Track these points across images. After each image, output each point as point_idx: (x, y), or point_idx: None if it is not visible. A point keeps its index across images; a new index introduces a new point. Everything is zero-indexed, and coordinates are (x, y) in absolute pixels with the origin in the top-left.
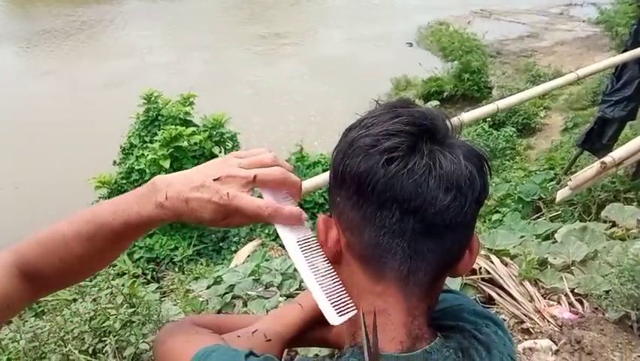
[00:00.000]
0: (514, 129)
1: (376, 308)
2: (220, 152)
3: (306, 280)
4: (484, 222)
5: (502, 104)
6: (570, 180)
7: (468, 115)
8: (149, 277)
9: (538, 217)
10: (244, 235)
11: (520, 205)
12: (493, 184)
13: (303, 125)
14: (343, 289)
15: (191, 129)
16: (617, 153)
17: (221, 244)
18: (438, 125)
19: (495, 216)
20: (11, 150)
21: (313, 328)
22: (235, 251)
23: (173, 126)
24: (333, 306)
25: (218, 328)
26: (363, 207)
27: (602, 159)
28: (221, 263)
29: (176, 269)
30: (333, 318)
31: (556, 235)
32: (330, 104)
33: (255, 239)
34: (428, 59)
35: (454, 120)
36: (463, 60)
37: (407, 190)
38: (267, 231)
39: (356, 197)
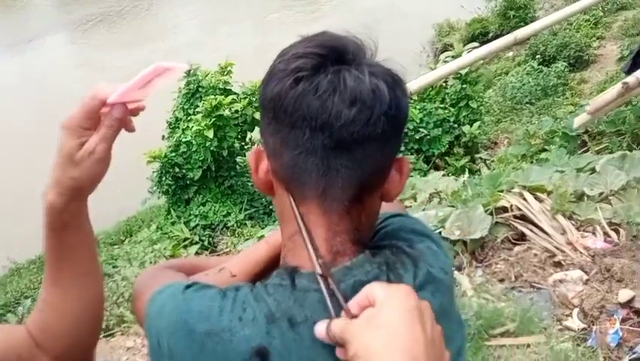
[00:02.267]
0: (565, 64)
1: (300, 228)
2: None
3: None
4: (531, 162)
5: (521, 33)
6: (589, 103)
7: (484, 49)
8: (205, 243)
9: (585, 152)
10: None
11: (566, 141)
12: (537, 122)
13: None
14: None
15: (230, 98)
16: None
17: (271, 207)
18: (347, 47)
19: (542, 155)
20: None
21: (278, 263)
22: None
23: (213, 96)
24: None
25: (192, 268)
26: (280, 132)
27: (624, 80)
28: (273, 225)
29: (229, 233)
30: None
31: (595, 166)
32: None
33: None
34: (470, 0)
35: (369, 44)
36: None
37: (313, 107)
38: None
39: (274, 122)
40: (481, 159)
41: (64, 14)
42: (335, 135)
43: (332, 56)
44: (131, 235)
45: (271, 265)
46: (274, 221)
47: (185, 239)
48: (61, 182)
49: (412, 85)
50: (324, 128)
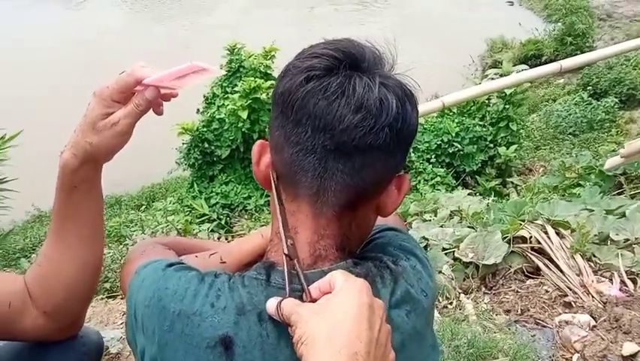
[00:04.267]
0: (616, 100)
1: (290, 227)
2: None
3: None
4: (563, 195)
5: (567, 63)
6: (624, 146)
7: (528, 73)
8: (222, 222)
9: (620, 194)
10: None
11: (601, 180)
12: (576, 155)
13: None
14: None
15: (270, 82)
16: None
17: None
18: (364, 56)
19: (575, 190)
20: None
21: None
22: None
23: (252, 78)
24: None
25: (182, 249)
26: (284, 126)
27: None
28: None
29: (246, 216)
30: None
31: (626, 211)
32: (416, 63)
33: None
34: (529, 20)
35: (388, 57)
36: (567, 21)
37: (319, 107)
38: None
39: (280, 116)
40: (512, 183)
41: None
42: (336, 138)
43: (347, 61)
44: (153, 201)
45: (262, 257)
46: None
47: (204, 215)
48: (79, 145)
49: (448, 98)
50: (325, 129)
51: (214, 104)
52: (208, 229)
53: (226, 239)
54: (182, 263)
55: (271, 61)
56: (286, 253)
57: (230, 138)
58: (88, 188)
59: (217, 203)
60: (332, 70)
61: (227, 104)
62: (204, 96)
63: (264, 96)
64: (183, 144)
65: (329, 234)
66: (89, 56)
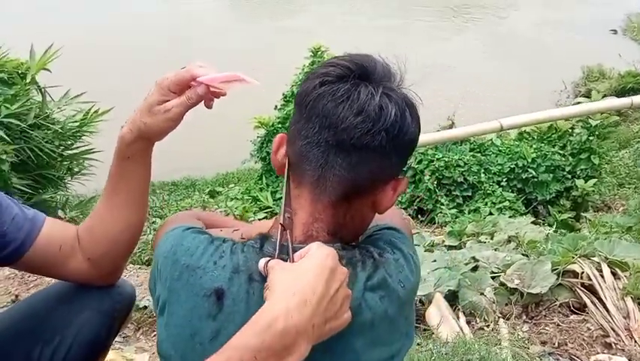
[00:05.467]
0: None
1: (291, 210)
2: None
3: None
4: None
5: (638, 100)
6: None
7: (595, 105)
8: None
9: None
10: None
11: None
12: None
13: (471, 102)
14: None
15: None
16: None
17: None
18: (375, 69)
19: None
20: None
21: None
22: None
23: None
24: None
25: (211, 223)
26: (299, 122)
27: None
28: None
29: None
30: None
31: None
32: (503, 84)
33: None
34: (631, 51)
35: (396, 73)
36: None
37: (327, 108)
38: (399, 199)
39: (297, 113)
40: (586, 219)
41: None
42: (337, 135)
43: (358, 71)
44: (223, 187)
45: None
46: None
47: (267, 207)
48: (135, 122)
49: (507, 120)
50: (330, 127)
51: (291, 102)
52: (266, 217)
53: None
54: (200, 228)
55: None
56: (281, 223)
57: None
58: (138, 160)
59: (281, 198)
60: (343, 78)
61: None
62: (283, 94)
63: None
64: (258, 137)
65: (323, 218)
66: (178, 47)
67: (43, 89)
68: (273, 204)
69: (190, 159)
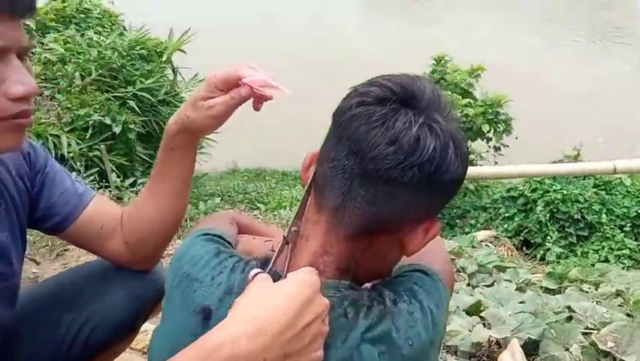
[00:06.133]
0: None
1: (303, 232)
2: (489, 131)
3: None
4: None
5: None
6: None
7: None
8: None
9: None
10: (482, 221)
11: None
12: None
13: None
14: None
15: (466, 100)
16: None
17: (457, 221)
18: (425, 94)
19: None
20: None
21: None
22: (468, 233)
23: (449, 92)
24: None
25: (246, 228)
26: (330, 142)
27: None
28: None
29: None
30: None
31: None
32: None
33: (490, 230)
34: None
35: (447, 99)
36: None
37: (359, 132)
38: (505, 226)
39: (330, 132)
40: None
41: None
42: (364, 164)
43: (401, 95)
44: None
45: None
46: (453, 235)
47: None
48: (180, 115)
49: (623, 163)
50: (358, 153)
51: None
52: None
53: None
54: (215, 236)
55: (475, 79)
56: (285, 235)
57: None
58: (182, 153)
59: None
60: (383, 100)
61: None
62: None
63: (457, 113)
64: None
65: (334, 252)
66: (327, 48)
67: (176, 69)
68: None
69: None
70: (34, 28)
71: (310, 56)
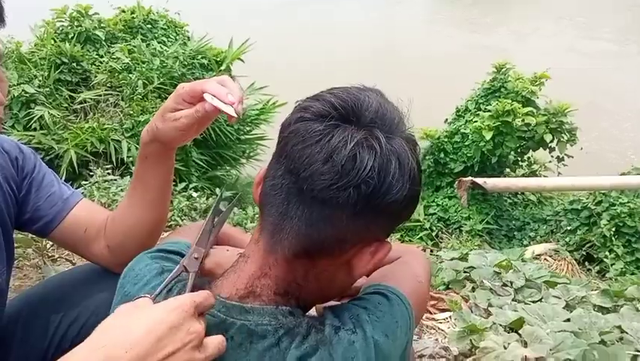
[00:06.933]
0: None
1: (246, 252)
2: (551, 141)
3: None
4: None
5: None
6: None
7: None
8: (433, 234)
9: None
10: (543, 233)
11: None
12: None
13: None
14: None
15: (528, 109)
16: None
17: (515, 233)
18: (368, 110)
19: None
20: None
21: None
22: (527, 245)
23: (510, 101)
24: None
25: (229, 239)
26: (272, 159)
27: None
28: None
29: (454, 236)
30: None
31: None
32: None
33: (551, 242)
34: None
35: (396, 115)
36: None
37: (295, 150)
38: (567, 240)
39: (276, 148)
40: None
41: None
42: (299, 183)
43: (341, 111)
44: None
45: None
46: (510, 247)
47: (417, 221)
48: (151, 125)
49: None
50: (292, 172)
51: (463, 117)
52: (419, 237)
53: (431, 252)
54: (163, 253)
55: (539, 88)
56: (183, 264)
57: (468, 154)
58: (155, 162)
59: (434, 214)
60: (322, 116)
61: (476, 120)
62: (457, 108)
63: (517, 122)
64: (422, 148)
65: (272, 275)
66: (365, 49)
67: (234, 77)
68: (423, 219)
69: None
70: (104, 38)
71: (373, 66)
